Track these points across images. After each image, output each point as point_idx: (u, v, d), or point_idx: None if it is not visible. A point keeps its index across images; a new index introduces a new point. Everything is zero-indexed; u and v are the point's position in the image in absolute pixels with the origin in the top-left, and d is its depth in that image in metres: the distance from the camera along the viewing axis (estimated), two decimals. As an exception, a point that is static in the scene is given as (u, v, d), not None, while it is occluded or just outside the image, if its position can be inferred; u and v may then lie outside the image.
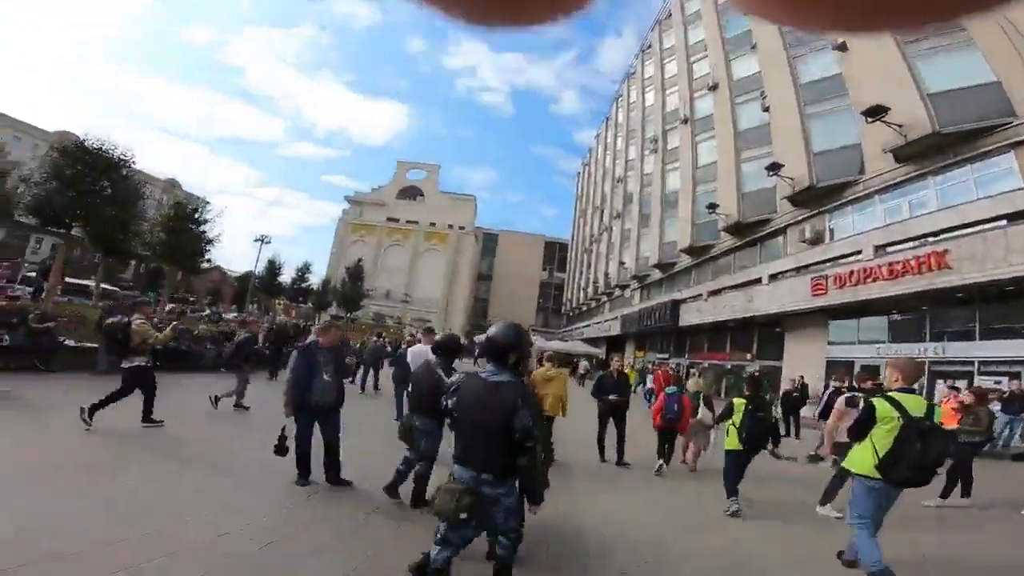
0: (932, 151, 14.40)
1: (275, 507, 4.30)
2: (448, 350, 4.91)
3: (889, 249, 14.86)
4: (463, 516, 2.43)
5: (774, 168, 19.59)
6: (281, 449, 5.01)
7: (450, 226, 63.37)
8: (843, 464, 4.08)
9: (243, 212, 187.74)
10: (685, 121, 29.28)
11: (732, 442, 5.40)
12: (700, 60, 29.30)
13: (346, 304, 44.82)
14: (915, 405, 3.61)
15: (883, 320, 15.84)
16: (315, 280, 49.71)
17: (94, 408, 5.99)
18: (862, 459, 3.71)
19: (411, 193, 68.26)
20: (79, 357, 10.27)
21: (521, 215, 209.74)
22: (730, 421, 5.61)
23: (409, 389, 5.09)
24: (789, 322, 19.00)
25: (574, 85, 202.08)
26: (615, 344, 38.68)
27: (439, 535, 2.60)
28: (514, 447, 2.49)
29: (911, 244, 14.07)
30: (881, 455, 3.56)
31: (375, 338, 15.68)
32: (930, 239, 13.63)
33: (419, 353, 6.86)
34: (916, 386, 3.96)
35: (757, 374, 8.00)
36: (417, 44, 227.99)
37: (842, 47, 18.08)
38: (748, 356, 21.91)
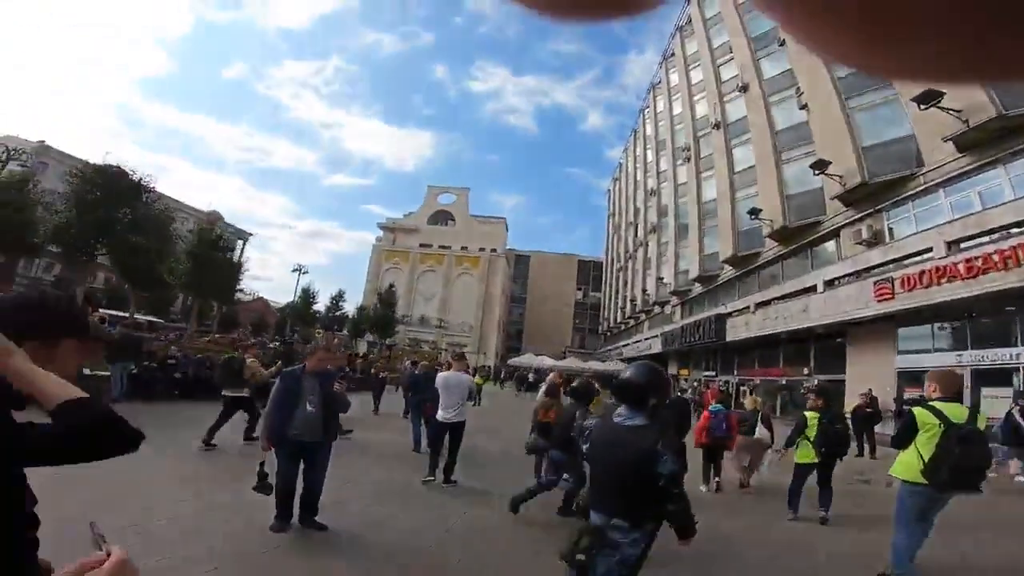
0: (998, 137, 12.76)
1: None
2: (582, 396, 5.55)
3: (964, 245, 13.14)
4: (580, 557, 2.38)
5: (820, 166, 18.10)
6: (263, 487, 4.45)
7: (481, 249, 63.02)
8: (890, 471, 4.20)
9: (284, 244, 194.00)
10: (717, 126, 28.08)
11: (806, 455, 5.43)
12: (726, 63, 28.18)
13: (380, 330, 44.68)
14: (956, 413, 3.81)
15: (962, 324, 13.97)
16: (350, 308, 49.98)
17: (211, 432, 7.23)
18: (908, 465, 3.91)
19: (442, 218, 68.47)
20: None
21: (553, 237, 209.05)
22: (802, 435, 5.69)
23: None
24: (851, 332, 17.18)
25: (598, 103, 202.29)
26: (659, 362, 36.74)
27: None
28: (657, 493, 2.43)
29: (991, 237, 12.33)
30: (926, 461, 3.76)
31: (408, 364, 15.03)
32: (1014, 230, 11.89)
33: (450, 379, 6.46)
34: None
35: (819, 385, 7.03)
36: (441, 71, 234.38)
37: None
38: (805, 371, 19.96)
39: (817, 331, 18.33)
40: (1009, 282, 11.35)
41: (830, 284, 17.74)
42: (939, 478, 3.71)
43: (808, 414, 5.79)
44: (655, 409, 2.62)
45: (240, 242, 76.58)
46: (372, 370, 18.28)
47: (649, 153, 43.43)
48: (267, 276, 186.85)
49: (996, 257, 11.53)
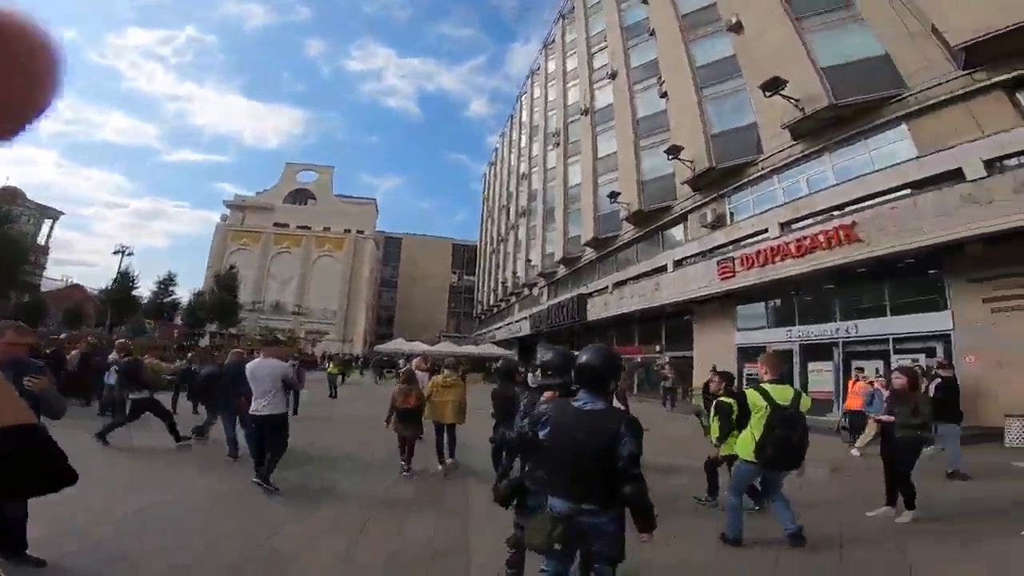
0: (828, 126, 13.95)
1: None
2: (507, 375, 5.92)
3: (795, 226, 14.17)
4: (557, 547, 2.41)
5: (673, 151, 18.78)
6: None
7: (347, 231, 58.80)
8: (735, 451, 4.49)
9: (115, 225, 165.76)
10: (585, 112, 28.61)
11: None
12: (600, 51, 28.78)
13: (221, 318, 39.40)
14: (782, 394, 4.06)
15: (791, 302, 15.18)
16: (185, 293, 43.60)
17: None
18: (744, 443, 4.25)
19: (302, 197, 62.69)
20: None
21: (433, 221, 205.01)
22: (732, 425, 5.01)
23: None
24: (697, 310, 18.14)
25: (484, 90, 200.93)
26: (527, 345, 37.25)
27: (546, 569, 2.60)
28: (617, 475, 2.41)
29: (818, 219, 13.35)
30: (757, 440, 4.03)
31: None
32: (835, 213, 12.99)
33: (256, 368, 5.71)
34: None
35: (719, 368, 6.53)
36: (316, 47, 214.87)
37: (737, 28, 17.63)
38: (657, 348, 20.97)
39: (668, 309, 19.14)
40: (832, 260, 12.29)
41: (679, 264, 18.52)
42: (764, 456, 4.01)
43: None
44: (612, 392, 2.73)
45: (49, 221, 63.87)
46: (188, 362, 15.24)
47: (523, 138, 43.54)
48: (91, 261, 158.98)
49: (821, 237, 12.44)
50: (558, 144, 32.55)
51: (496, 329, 46.09)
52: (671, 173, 20.42)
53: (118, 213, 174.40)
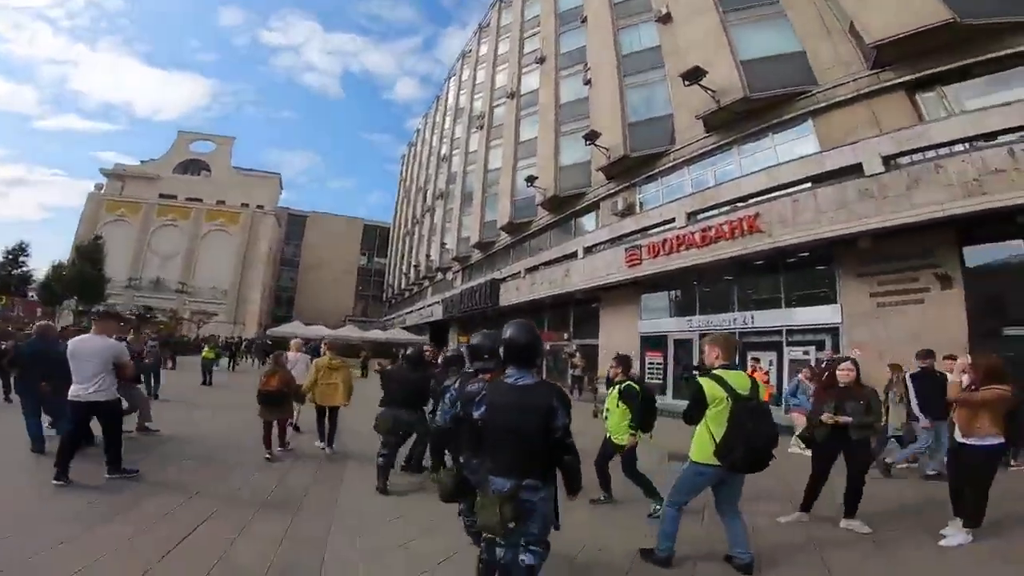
0: (740, 119, 14.21)
1: None
2: (454, 362, 5.39)
3: (701, 216, 14.39)
4: (511, 525, 2.40)
5: (591, 137, 18.48)
6: None
7: (245, 205, 53.78)
8: (689, 453, 3.64)
9: None
10: (512, 96, 27.99)
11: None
12: (533, 36, 28.19)
13: (81, 293, 34.27)
14: (739, 382, 3.47)
15: (693, 291, 15.45)
16: (41, 265, 37.60)
17: None
18: (702, 444, 3.50)
19: (194, 168, 56.65)
20: None
21: (347, 202, 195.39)
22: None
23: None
24: (605, 297, 18.11)
25: (415, 73, 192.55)
26: (439, 330, 36.18)
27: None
28: (554, 447, 2.49)
29: (723, 209, 13.61)
30: (718, 439, 3.39)
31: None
32: (739, 204, 13.26)
33: (78, 347, 4.96)
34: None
35: (621, 354, 5.75)
36: (231, 16, 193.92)
37: (665, 19, 17.54)
38: (565, 335, 20.77)
39: (577, 296, 18.99)
40: (734, 250, 12.51)
41: (589, 251, 18.36)
42: (732, 457, 3.34)
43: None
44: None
45: None
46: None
47: (447, 120, 42.28)
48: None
49: (726, 228, 12.63)
50: (482, 127, 31.86)
51: (407, 314, 44.78)
52: (588, 160, 20.29)
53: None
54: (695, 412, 3.53)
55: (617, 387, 4.98)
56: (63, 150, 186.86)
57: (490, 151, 30.00)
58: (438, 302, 34.19)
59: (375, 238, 65.82)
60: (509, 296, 23.06)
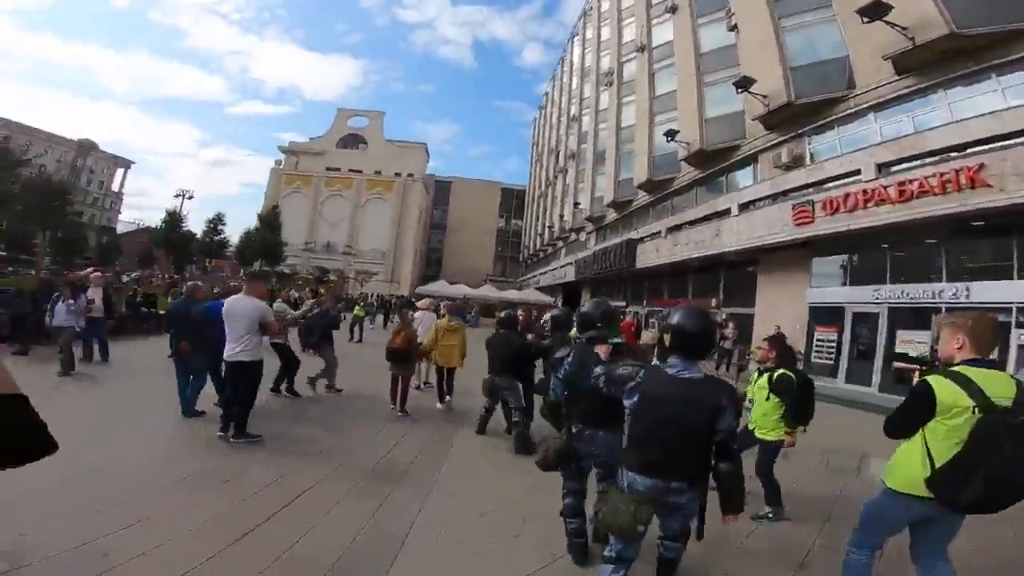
0: (945, 58, 11.90)
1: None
2: (561, 325, 5.96)
3: (896, 168, 12.42)
4: (641, 529, 2.27)
5: (744, 84, 16.99)
6: None
7: (397, 174, 59.03)
8: (883, 475, 2.58)
9: (188, 175, 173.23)
10: (642, 49, 26.53)
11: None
12: None
13: (264, 256, 40.86)
14: (997, 387, 2.25)
15: (883, 256, 13.34)
16: (233, 234, 45.47)
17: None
18: (907, 468, 2.41)
19: (353, 142, 63.49)
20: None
21: (484, 168, 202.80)
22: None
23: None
24: (764, 260, 16.75)
25: (538, 38, 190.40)
26: (571, 291, 36.80)
27: (611, 554, 2.42)
28: (716, 451, 2.32)
29: (931, 160, 11.58)
30: (939, 464, 2.28)
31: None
32: (953, 155, 11.20)
33: (232, 307, 5.11)
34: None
35: (776, 333, 5.39)
36: None
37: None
38: (713, 302, 19.84)
39: (729, 258, 17.93)
40: (945, 208, 10.74)
41: (745, 208, 17.05)
42: (965, 493, 2.20)
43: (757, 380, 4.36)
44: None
45: (121, 170, 67.60)
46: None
47: (575, 80, 41.41)
48: (170, 207, 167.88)
49: (934, 181, 10.83)
50: (611, 84, 30.74)
51: (541, 274, 45.79)
52: (739, 111, 18.73)
53: (190, 163, 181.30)
54: (909, 423, 2.43)
55: (767, 375, 4.24)
56: (251, 132, 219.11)
57: (622, 108, 28.90)
58: (571, 263, 34.40)
59: (512, 200, 67.93)
60: (647, 257, 22.65)
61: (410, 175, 59.80)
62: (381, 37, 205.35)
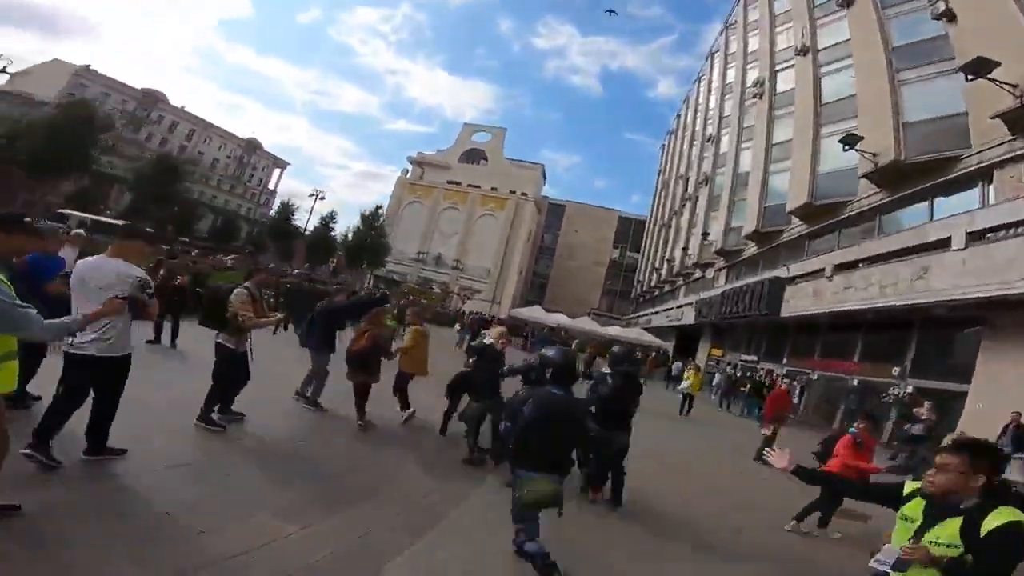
0: None
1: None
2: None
3: None
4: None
5: (976, 68, 11.63)
6: None
7: (512, 192, 57.55)
8: None
9: (340, 184, 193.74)
10: (804, 52, 22.01)
11: None
12: None
13: (366, 256, 40.90)
14: None
15: None
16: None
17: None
18: None
19: (475, 157, 63.81)
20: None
21: (607, 202, 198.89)
22: None
23: None
24: (996, 318, 11.18)
25: (671, 71, 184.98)
26: (686, 337, 31.54)
27: (525, 534, 3.04)
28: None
29: None
30: None
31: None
32: None
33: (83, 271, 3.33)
34: None
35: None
36: (506, 24, 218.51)
37: None
38: (895, 370, 14.03)
39: (936, 311, 12.37)
40: None
41: (975, 238, 11.46)
42: None
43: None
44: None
45: (278, 170, 75.50)
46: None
47: (712, 99, 37.64)
48: (318, 210, 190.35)
49: None
50: (760, 95, 26.22)
51: (652, 313, 41.42)
52: (954, 114, 13.65)
53: (344, 174, 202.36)
54: None
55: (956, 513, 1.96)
56: (396, 148, 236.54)
57: (774, 122, 24.21)
58: (690, 303, 29.77)
59: (629, 232, 63.11)
60: (799, 303, 17.29)
61: (523, 194, 58.05)
62: (515, 62, 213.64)
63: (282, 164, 77.60)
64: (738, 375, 20.59)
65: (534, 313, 30.18)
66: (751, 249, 24.13)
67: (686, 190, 39.73)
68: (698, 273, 32.50)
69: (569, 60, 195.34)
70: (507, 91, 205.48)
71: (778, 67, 25.46)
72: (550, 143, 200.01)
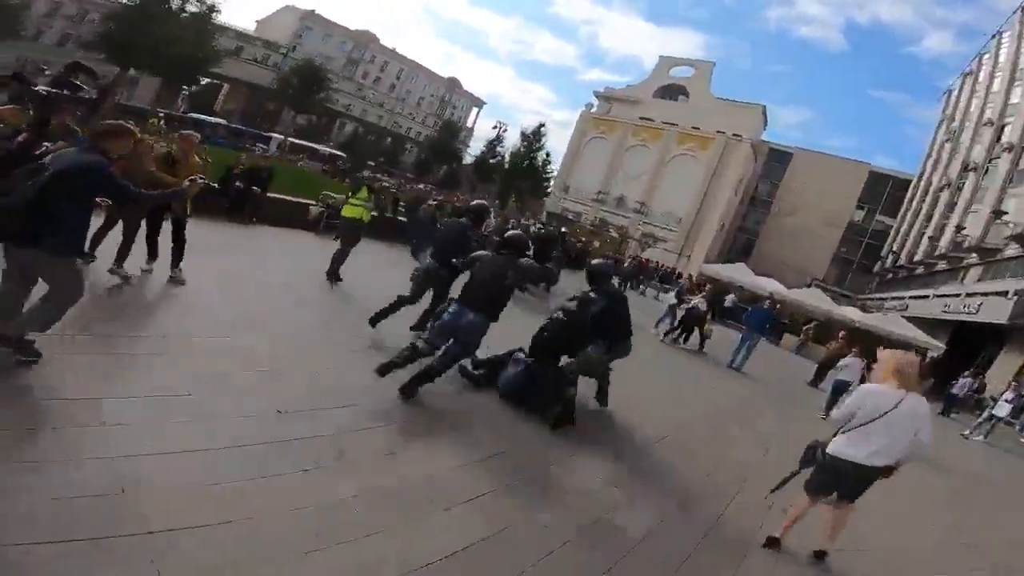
0: None
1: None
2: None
3: None
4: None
5: None
6: None
7: (720, 132, 47.13)
8: None
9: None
10: None
11: None
12: None
13: (531, 182, 38.60)
14: None
15: None
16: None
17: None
18: None
19: (672, 93, 54.36)
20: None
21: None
22: None
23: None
24: None
25: (949, 25, 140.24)
26: (971, 338, 21.90)
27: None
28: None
29: None
30: None
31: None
32: None
33: None
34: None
35: None
36: None
37: None
38: None
39: None
40: None
41: None
42: None
43: None
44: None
45: (475, 110, 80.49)
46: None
47: None
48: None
49: None
50: None
51: (910, 298, 30.52)
52: None
53: (545, 121, 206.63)
54: None
55: None
56: (589, 98, 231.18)
57: None
58: (1001, 293, 20.20)
59: (883, 191, 47.64)
60: None
61: (736, 135, 47.16)
62: (728, 11, 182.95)
63: (479, 103, 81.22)
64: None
65: (735, 273, 22.91)
66: None
67: (998, 141, 28.18)
68: (1014, 249, 21.40)
69: (797, 9, 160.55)
70: (719, 39, 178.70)
71: None
72: (773, 96, 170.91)
